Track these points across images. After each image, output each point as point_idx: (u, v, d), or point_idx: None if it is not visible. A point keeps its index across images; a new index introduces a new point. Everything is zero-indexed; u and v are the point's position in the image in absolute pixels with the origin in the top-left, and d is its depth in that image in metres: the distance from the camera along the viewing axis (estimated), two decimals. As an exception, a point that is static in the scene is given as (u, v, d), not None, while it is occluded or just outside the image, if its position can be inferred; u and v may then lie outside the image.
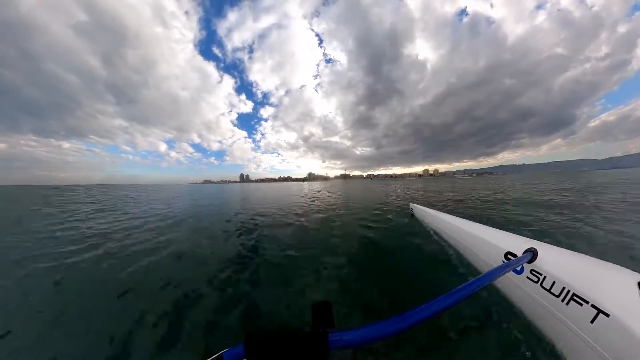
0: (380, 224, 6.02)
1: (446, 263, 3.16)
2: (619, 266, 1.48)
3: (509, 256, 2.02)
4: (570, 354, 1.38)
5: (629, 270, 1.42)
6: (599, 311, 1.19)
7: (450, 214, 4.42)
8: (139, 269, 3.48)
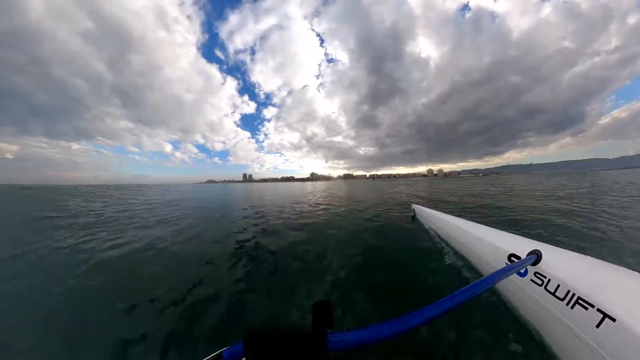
0: (381, 225, 5.99)
1: (448, 265, 3.12)
2: (626, 269, 1.44)
3: (512, 258, 1.98)
4: None
5: (637, 273, 1.38)
6: (605, 315, 1.15)
7: (451, 214, 4.37)
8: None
